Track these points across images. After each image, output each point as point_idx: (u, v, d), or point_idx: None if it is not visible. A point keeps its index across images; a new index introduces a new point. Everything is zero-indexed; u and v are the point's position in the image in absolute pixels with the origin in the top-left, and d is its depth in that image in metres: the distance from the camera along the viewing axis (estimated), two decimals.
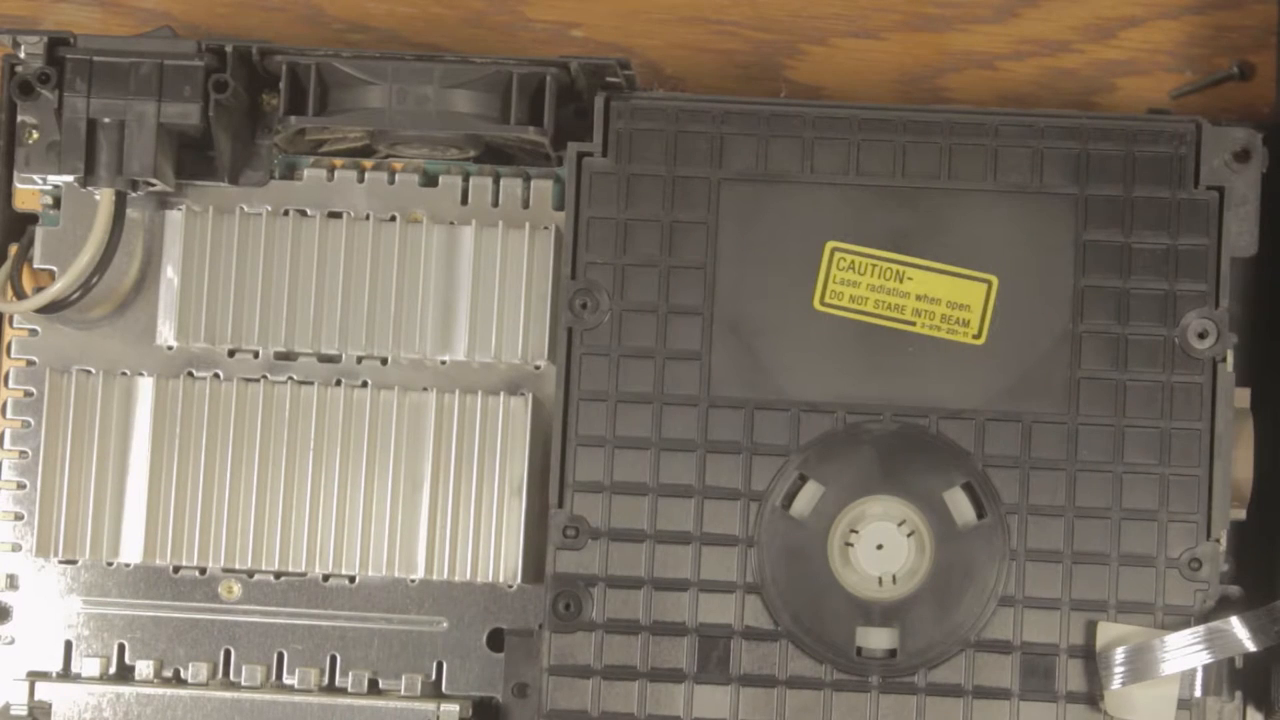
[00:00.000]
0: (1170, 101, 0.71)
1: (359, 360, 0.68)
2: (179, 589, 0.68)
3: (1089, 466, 0.64)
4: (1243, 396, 0.66)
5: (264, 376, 0.67)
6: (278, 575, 0.67)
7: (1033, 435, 0.64)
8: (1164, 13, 0.71)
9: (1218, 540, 0.64)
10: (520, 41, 0.72)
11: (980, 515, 0.65)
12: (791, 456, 0.65)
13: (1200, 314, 0.65)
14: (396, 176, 0.68)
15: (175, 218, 0.68)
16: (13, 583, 0.68)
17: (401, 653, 0.67)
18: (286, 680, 0.67)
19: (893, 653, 0.64)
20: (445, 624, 0.67)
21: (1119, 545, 0.64)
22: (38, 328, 0.68)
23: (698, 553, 0.65)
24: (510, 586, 0.67)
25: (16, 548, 0.68)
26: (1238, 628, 0.63)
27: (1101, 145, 0.65)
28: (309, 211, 0.68)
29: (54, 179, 0.67)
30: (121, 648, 0.68)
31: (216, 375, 0.68)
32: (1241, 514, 0.65)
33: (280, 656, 0.67)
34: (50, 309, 0.66)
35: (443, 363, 0.67)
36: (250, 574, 0.67)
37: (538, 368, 0.67)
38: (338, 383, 0.67)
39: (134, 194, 0.67)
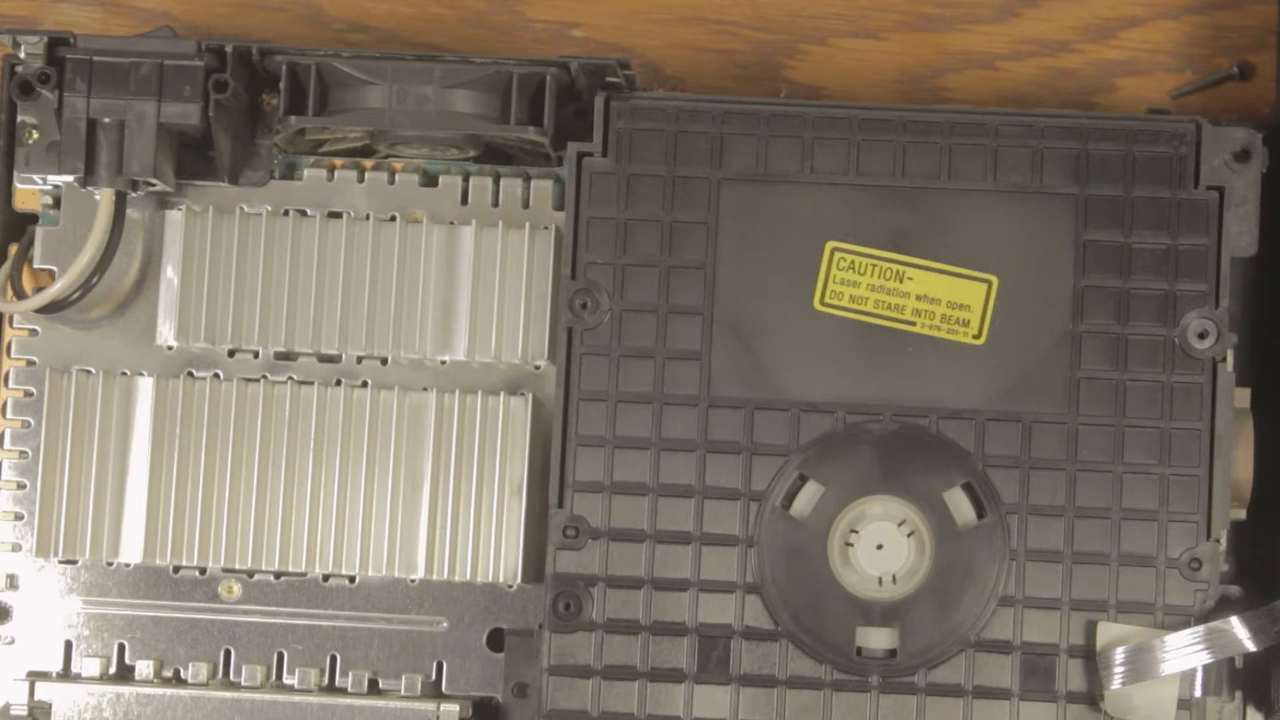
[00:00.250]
0: (1170, 101, 0.71)
1: (359, 360, 0.68)
2: (179, 589, 0.68)
3: (1089, 466, 0.64)
4: (1243, 396, 0.66)
5: (264, 376, 0.67)
6: (278, 575, 0.67)
7: (1033, 435, 0.64)
8: (1164, 13, 0.71)
9: (1218, 540, 0.64)
10: (520, 41, 0.72)
11: (980, 515, 0.65)
12: (791, 456, 0.65)
13: (1200, 314, 0.65)
14: (396, 176, 0.68)
15: (175, 218, 0.68)
16: (13, 583, 0.68)
17: (401, 653, 0.67)
18: (286, 680, 0.67)
19: (893, 653, 0.64)
20: (445, 624, 0.67)
21: (1119, 545, 0.64)
22: (38, 328, 0.68)
23: (698, 553, 0.65)
24: (510, 586, 0.67)
25: (16, 548, 0.68)
26: (1238, 628, 0.63)
27: (1101, 145, 0.65)
28: (309, 211, 0.68)
29: (54, 179, 0.67)
30: (121, 648, 0.68)
31: (216, 375, 0.68)
32: (1241, 514, 0.65)
33: (280, 656, 0.67)
34: (50, 309, 0.66)
35: (443, 363, 0.67)
36: (250, 574, 0.68)
37: (538, 368, 0.67)
38: (338, 383, 0.67)
39: (134, 194, 0.67)
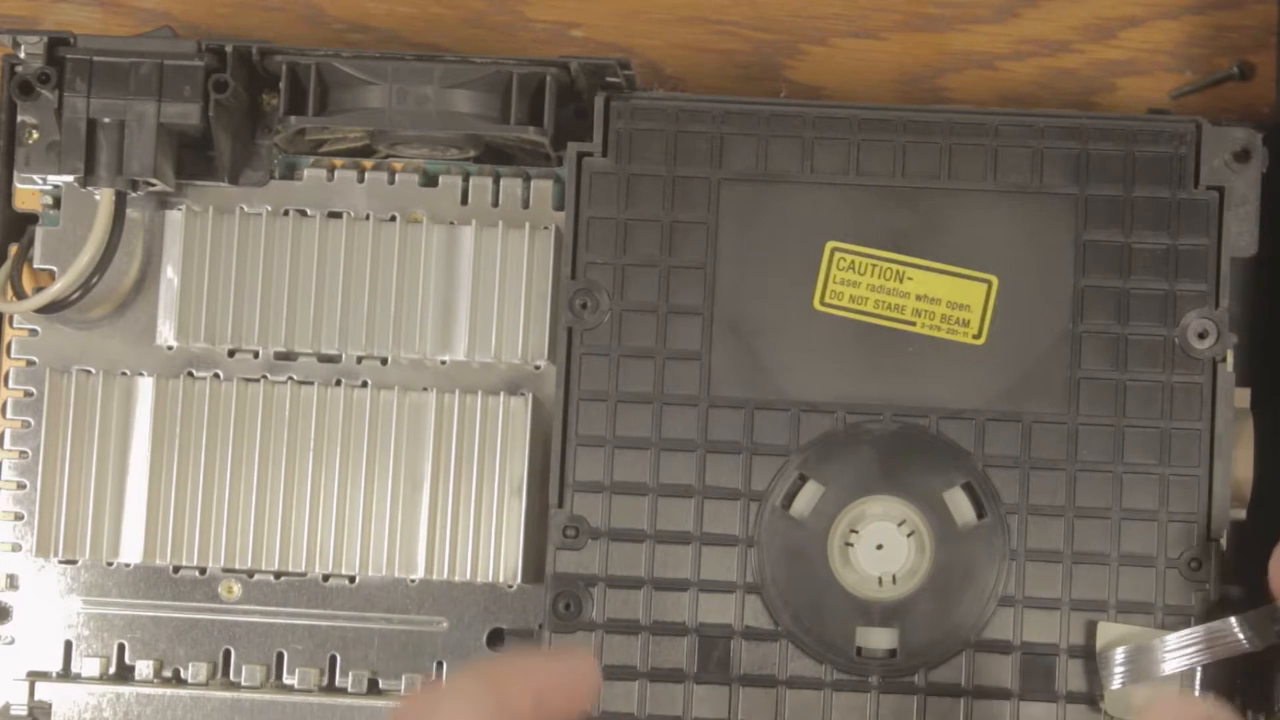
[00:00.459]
0: (1170, 101, 0.71)
1: (359, 360, 0.68)
2: (179, 589, 0.68)
3: (1089, 466, 0.64)
4: (1243, 396, 0.66)
5: (264, 376, 0.67)
6: (278, 575, 0.67)
7: (1033, 435, 0.64)
8: (1164, 13, 0.71)
9: (1218, 540, 0.64)
10: (520, 41, 0.72)
11: (980, 515, 0.65)
12: (791, 456, 0.65)
13: (1200, 314, 0.65)
14: (396, 176, 0.68)
15: (175, 218, 0.68)
16: (13, 583, 0.68)
17: (401, 653, 0.67)
18: (286, 680, 0.67)
19: (893, 653, 0.64)
20: (445, 624, 0.67)
21: (1119, 545, 0.64)
22: (38, 328, 0.68)
23: (698, 553, 0.65)
24: (510, 586, 0.67)
25: (16, 548, 0.68)
26: (1238, 628, 0.63)
27: (1101, 145, 0.65)
28: (309, 211, 0.68)
29: (54, 179, 0.67)
30: (121, 648, 0.68)
31: (216, 375, 0.68)
32: (1241, 514, 0.65)
33: (280, 656, 0.67)
34: (50, 309, 0.66)
35: (443, 363, 0.67)
36: (250, 574, 0.67)
37: (538, 368, 0.67)
38: (338, 383, 0.67)
39: (134, 194, 0.67)
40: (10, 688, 0.67)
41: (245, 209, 0.68)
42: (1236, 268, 0.65)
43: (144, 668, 0.67)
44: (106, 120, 0.65)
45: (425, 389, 0.67)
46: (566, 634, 0.64)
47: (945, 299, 0.65)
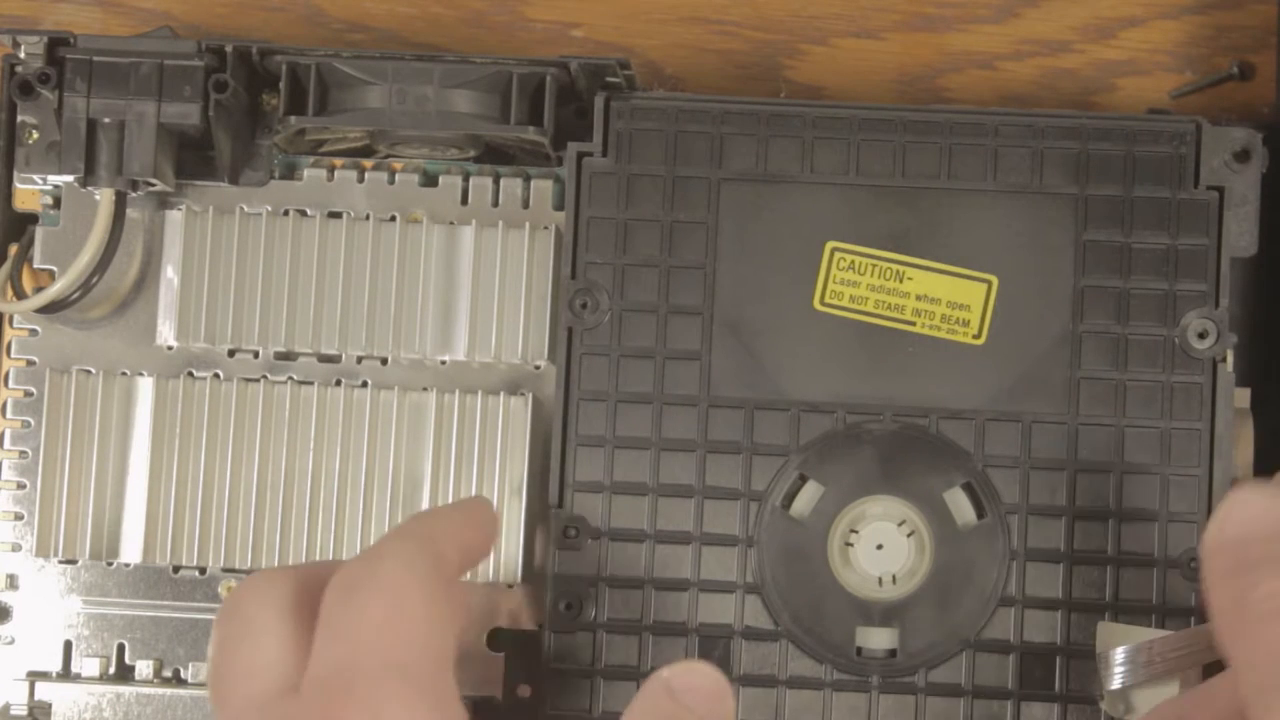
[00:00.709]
0: (1170, 101, 0.71)
1: (359, 360, 0.68)
2: (179, 589, 0.68)
3: (1089, 466, 0.64)
4: (1243, 396, 0.66)
5: (264, 376, 0.67)
6: None
7: (1033, 435, 0.64)
8: (1164, 13, 0.71)
9: None
10: (520, 41, 0.72)
11: (980, 515, 0.65)
12: (791, 456, 0.65)
13: (1200, 314, 0.65)
14: (396, 176, 0.68)
15: (175, 218, 0.68)
16: (13, 583, 0.68)
17: None
18: None
19: (893, 653, 0.64)
20: None
21: (1119, 545, 0.64)
22: (38, 328, 0.68)
23: (698, 553, 0.65)
24: (510, 586, 0.67)
25: (16, 548, 0.68)
26: None
27: (1101, 145, 0.65)
28: (309, 211, 0.68)
29: (54, 179, 0.67)
30: (121, 648, 0.68)
31: (216, 375, 0.68)
32: None
33: None
34: (50, 309, 0.66)
35: (443, 363, 0.67)
36: (250, 574, 0.67)
37: (538, 368, 0.67)
38: (338, 383, 0.67)
39: (134, 194, 0.67)
40: (10, 688, 0.67)
41: (245, 209, 0.68)
42: (1236, 268, 0.65)
43: (144, 668, 0.67)
44: (106, 120, 0.65)
45: (425, 389, 0.67)
46: (566, 634, 0.64)
47: (945, 299, 0.65)
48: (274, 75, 0.66)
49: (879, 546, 0.64)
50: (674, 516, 0.65)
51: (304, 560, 0.67)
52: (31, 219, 0.68)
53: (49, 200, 0.68)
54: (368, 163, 0.68)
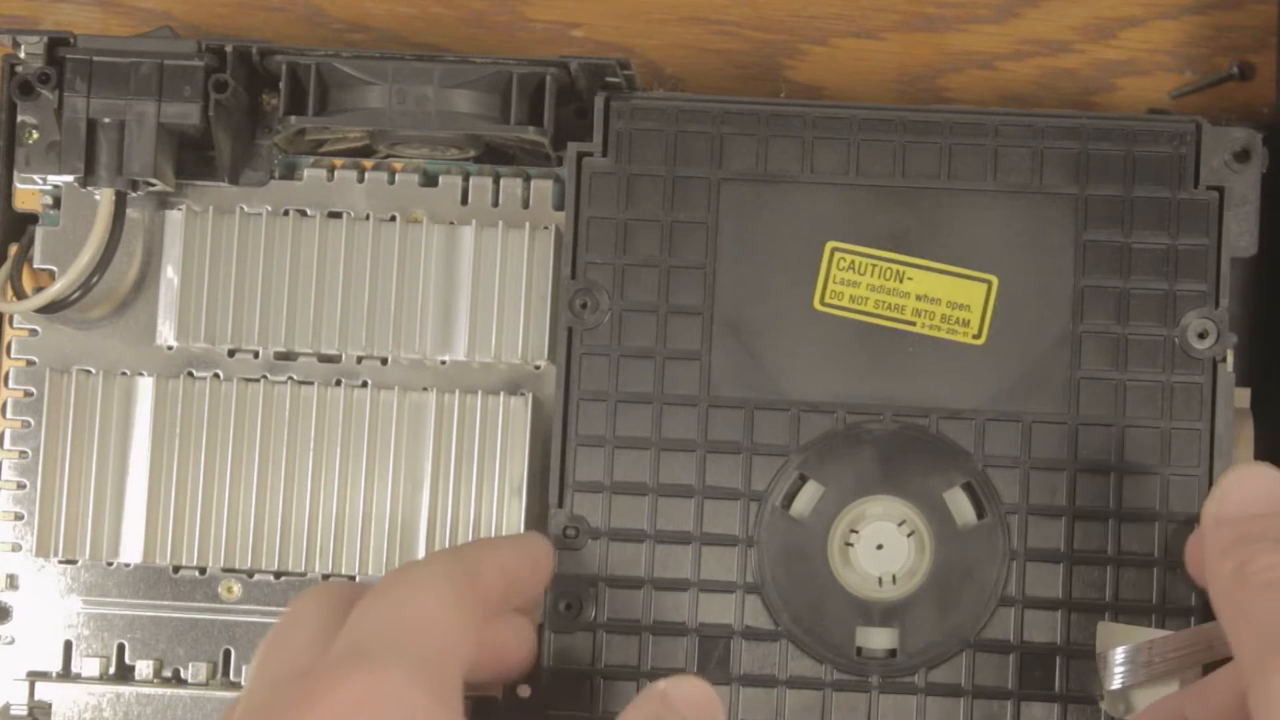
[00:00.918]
0: (1170, 101, 0.71)
1: (359, 360, 0.68)
2: (179, 589, 0.68)
3: (1089, 466, 0.64)
4: (1243, 396, 0.66)
5: (264, 376, 0.67)
6: (278, 575, 0.67)
7: (1033, 435, 0.64)
8: (1164, 13, 0.71)
9: None
10: (520, 41, 0.72)
11: (980, 515, 0.65)
12: (791, 456, 0.65)
13: (1200, 314, 0.65)
14: (396, 176, 0.68)
15: (175, 218, 0.68)
16: (13, 583, 0.68)
17: None
18: None
19: (893, 653, 0.64)
20: None
21: (1119, 545, 0.64)
22: (38, 328, 0.68)
23: (698, 553, 0.65)
24: None
25: (16, 548, 0.68)
26: None
27: (1101, 145, 0.65)
28: (309, 211, 0.68)
29: (54, 179, 0.67)
30: (121, 648, 0.68)
31: (216, 375, 0.68)
32: None
33: None
34: (50, 309, 0.66)
35: (443, 363, 0.67)
36: (250, 574, 0.67)
37: (538, 368, 0.67)
38: (338, 383, 0.67)
39: (134, 194, 0.67)
40: (10, 688, 0.67)
41: (245, 209, 0.68)
42: (1236, 268, 0.65)
43: (144, 668, 0.67)
44: (106, 120, 0.65)
45: (425, 389, 0.67)
46: (566, 634, 0.64)
47: (945, 299, 0.65)
48: (274, 75, 0.66)
49: (879, 546, 0.64)
50: (674, 516, 0.65)
51: (303, 560, 0.67)
52: (31, 219, 0.68)
53: (49, 200, 0.68)
54: (368, 163, 0.68)
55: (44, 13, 0.72)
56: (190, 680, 0.67)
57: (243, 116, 0.68)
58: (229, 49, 0.66)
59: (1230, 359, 0.65)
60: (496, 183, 0.68)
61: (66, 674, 0.68)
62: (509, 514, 0.66)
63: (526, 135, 0.65)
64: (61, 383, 0.67)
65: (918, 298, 0.65)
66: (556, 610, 0.64)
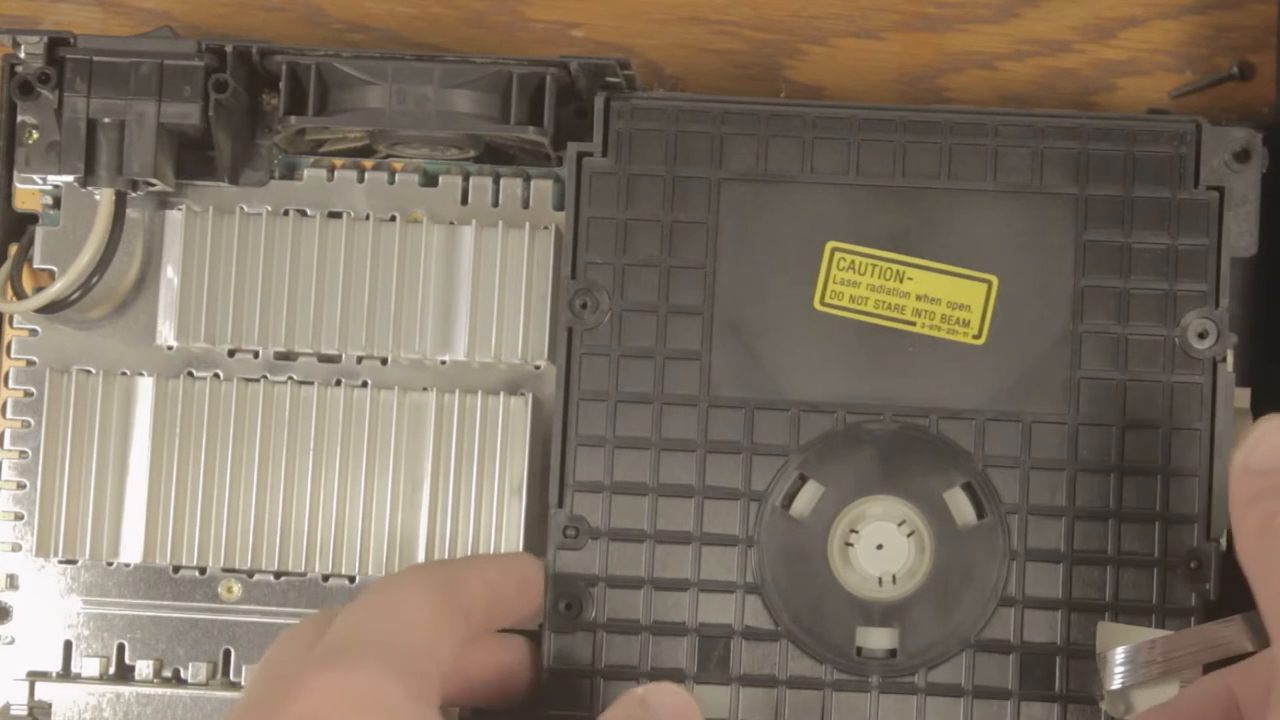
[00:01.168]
0: (1170, 101, 0.71)
1: (359, 360, 0.68)
2: (179, 589, 0.68)
3: (1089, 466, 0.64)
4: (1243, 396, 0.66)
5: (264, 376, 0.67)
6: (278, 575, 0.67)
7: (1033, 435, 0.64)
8: (1164, 13, 0.71)
9: (1218, 540, 0.64)
10: (520, 41, 0.72)
11: (980, 515, 0.65)
12: (791, 456, 0.65)
13: (1200, 314, 0.65)
14: (396, 176, 0.68)
15: (175, 218, 0.68)
16: (13, 583, 0.68)
17: None
18: None
19: (893, 653, 0.64)
20: None
21: (1119, 545, 0.64)
22: (38, 328, 0.68)
23: (698, 553, 0.65)
24: None
25: (16, 548, 0.68)
26: (1238, 628, 0.63)
27: (1101, 145, 0.65)
28: (309, 211, 0.68)
29: (54, 179, 0.67)
30: (121, 648, 0.68)
31: (216, 375, 0.68)
32: None
33: None
34: (50, 309, 0.66)
35: (443, 363, 0.67)
36: (250, 574, 0.68)
37: (538, 368, 0.67)
38: (338, 383, 0.67)
39: (134, 194, 0.67)
40: (10, 688, 0.67)
41: (245, 209, 0.68)
42: (1236, 268, 0.65)
43: (144, 668, 0.67)
44: (106, 120, 0.65)
45: (425, 389, 0.67)
46: (566, 634, 0.64)
47: (945, 299, 0.65)
48: (274, 75, 0.66)
49: (879, 546, 0.64)
50: (674, 516, 0.65)
51: (303, 560, 0.67)
52: (31, 219, 0.68)
53: (49, 200, 0.68)
54: (368, 163, 0.68)
55: (44, 13, 0.72)
56: (190, 680, 0.67)
57: (243, 116, 0.68)
58: (229, 49, 0.66)
59: (1230, 359, 0.65)
60: (496, 183, 0.68)
61: (66, 674, 0.68)
62: (509, 514, 0.66)
63: (526, 135, 0.65)
64: (61, 383, 0.67)
65: (918, 298, 0.65)
66: (556, 610, 0.64)
